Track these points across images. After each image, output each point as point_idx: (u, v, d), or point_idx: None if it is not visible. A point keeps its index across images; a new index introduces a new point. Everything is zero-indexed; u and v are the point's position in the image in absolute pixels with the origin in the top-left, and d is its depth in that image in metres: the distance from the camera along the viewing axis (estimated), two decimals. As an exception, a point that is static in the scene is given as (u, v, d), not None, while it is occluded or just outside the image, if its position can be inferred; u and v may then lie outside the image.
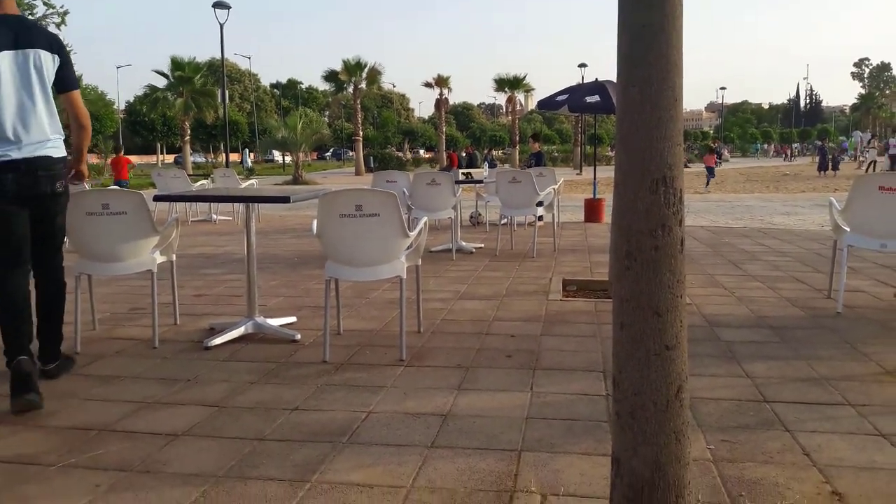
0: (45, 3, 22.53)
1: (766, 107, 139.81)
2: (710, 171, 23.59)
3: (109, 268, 4.12)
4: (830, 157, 29.88)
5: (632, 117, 1.71)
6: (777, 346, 3.97)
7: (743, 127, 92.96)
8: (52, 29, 22.37)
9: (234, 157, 52.92)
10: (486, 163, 17.37)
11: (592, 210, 11.68)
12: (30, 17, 22.21)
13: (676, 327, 1.71)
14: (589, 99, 9.84)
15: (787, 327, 4.36)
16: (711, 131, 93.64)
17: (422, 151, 63.10)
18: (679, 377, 1.72)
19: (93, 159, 41.09)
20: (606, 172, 17.64)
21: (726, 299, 5.22)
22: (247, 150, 43.33)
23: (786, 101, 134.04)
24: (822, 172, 28.47)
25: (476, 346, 4.03)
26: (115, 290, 5.76)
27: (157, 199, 4.35)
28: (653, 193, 1.69)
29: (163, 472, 2.47)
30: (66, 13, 22.95)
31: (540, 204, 8.12)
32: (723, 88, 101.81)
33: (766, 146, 73.19)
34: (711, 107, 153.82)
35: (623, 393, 1.76)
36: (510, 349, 3.97)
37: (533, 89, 43.01)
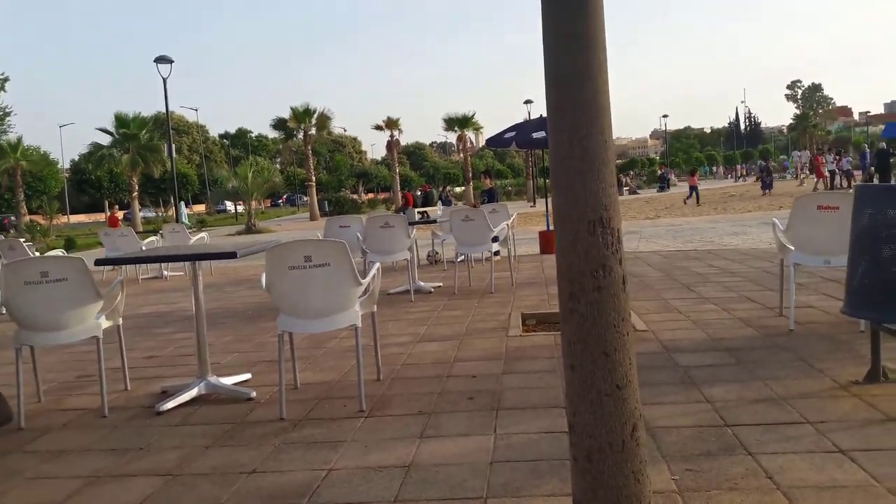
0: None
1: (708, 131, 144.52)
2: (693, 190, 26.12)
3: (52, 337, 3.97)
4: (766, 176, 31.05)
5: (564, 162, 1.73)
6: (734, 368, 4.02)
7: (687, 152, 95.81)
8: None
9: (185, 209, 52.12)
10: (439, 201, 17.47)
11: (547, 242, 11.79)
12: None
13: (626, 366, 1.71)
14: (535, 135, 10.03)
15: (742, 348, 4.42)
16: (658, 157, 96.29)
17: (371, 195, 63.28)
18: (633, 416, 1.72)
19: (39, 220, 40.04)
20: (559, 204, 17.83)
21: (682, 323, 5.29)
22: (182, 204, 41.76)
23: (726, 125, 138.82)
24: (767, 191, 29.42)
25: (437, 390, 3.97)
26: (62, 357, 5.54)
27: (98, 262, 4.22)
28: (591, 235, 1.70)
29: (112, 553, 2.34)
30: (6, 80, 22.61)
31: (495, 239, 8.16)
32: (665, 116, 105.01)
33: (714, 168, 75.34)
34: (656, 134, 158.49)
35: (578, 436, 1.74)
36: (472, 390, 3.92)
37: (481, 127, 43.62)
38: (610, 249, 1.71)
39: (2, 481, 3.07)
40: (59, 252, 10.03)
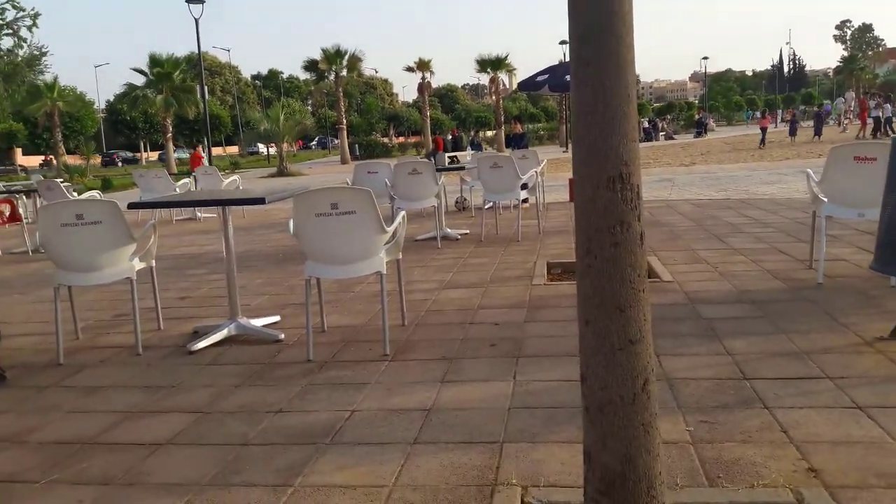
0: (14, 7, 22.20)
1: (750, 74, 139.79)
2: (764, 132, 28.12)
3: (88, 277, 4.10)
4: (795, 122, 30.52)
5: (586, 117, 1.71)
6: (758, 321, 4.00)
7: (727, 95, 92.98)
8: (23, 32, 22.10)
9: (217, 150, 52.56)
10: (469, 146, 17.30)
11: (577, 189, 11.67)
12: (0, 22, 21.93)
13: (640, 321, 1.72)
14: (569, 77, 9.80)
15: (768, 301, 4.39)
16: (697, 101, 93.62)
17: (402, 138, 62.85)
18: (645, 370, 1.73)
19: (75, 160, 40.73)
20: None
21: (709, 275, 5.25)
22: (200, 147, 40.10)
23: (769, 67, 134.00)
24: (818, 137, 28.51)
25: (460, 337, 4.04)
26: (98, 296, 5.73)
27: (131, 206, 4.32)
28: (610, 191, 1.69)
29: (146, 484, 2.48)
30: (37, 15, 22.66)
31: (524, 187, 8.11)
32: (705, 58, 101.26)
33: (756, 114, 71.97)
34: (695, 76, 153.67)
35: (590, 388, 1.77)
36: (494, 338, 3.98)
37: (515, 69, 42.75)
38: (629, 205, 1.70)
39: (41, 414, 3.23)
40: (95, 193, 10.24)
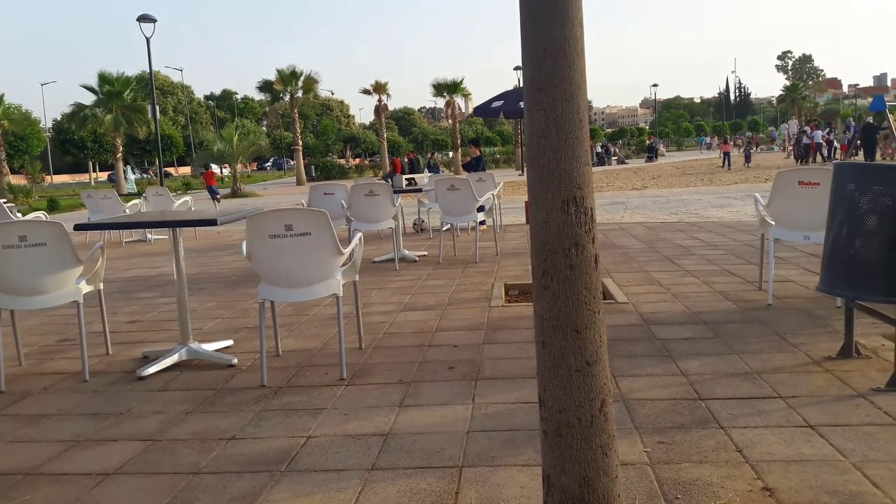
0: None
1: (698, 101, 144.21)
2: (727, 156, 29.83)
3: (32, 301, 3.95)
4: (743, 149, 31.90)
5: (539, 140, 1.73)
6: (711, 341, 4.08)
7: (677, 122, 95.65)
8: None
9: (170, 171, 51.61)
10: (426, 168, 17.37)
11: (533, 211, 11.80)
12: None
13: (596, 343, 1.74)
14: (522, 104, 9.95)
15: (720, 322, 4.49)
16: (647, 127, 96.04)
17: (358, 160, 62.76)
18: (602, 392, 1.74)
19: (20, 180, 39.45)
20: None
21: (662, 296, 5.34)
22: (129, 168, 40.41)
23: (716, 95, 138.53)
24: (747, 164, 29.66)
25: (418, 360, 4.01)
26: (44, 320, 5.52)
27: (78, 227, 4.18)
28: (564, 213, 1.71)
29: (91, 518, 2.37)
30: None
31: (481, 209, 8.16)
32: (655, 85, 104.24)
33: (708, 139, 72.91)
34: (646, 103, 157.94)
35: (548, 411, 1.77)
36: (453, 360, 3.96)
37: (470, 94, 43.27)
38: (583, 228, 1.72)
39: (-19, 445, 3.08)
40: (41, 214, 9.92)
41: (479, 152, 12.96)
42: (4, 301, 3.94)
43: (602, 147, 45.89)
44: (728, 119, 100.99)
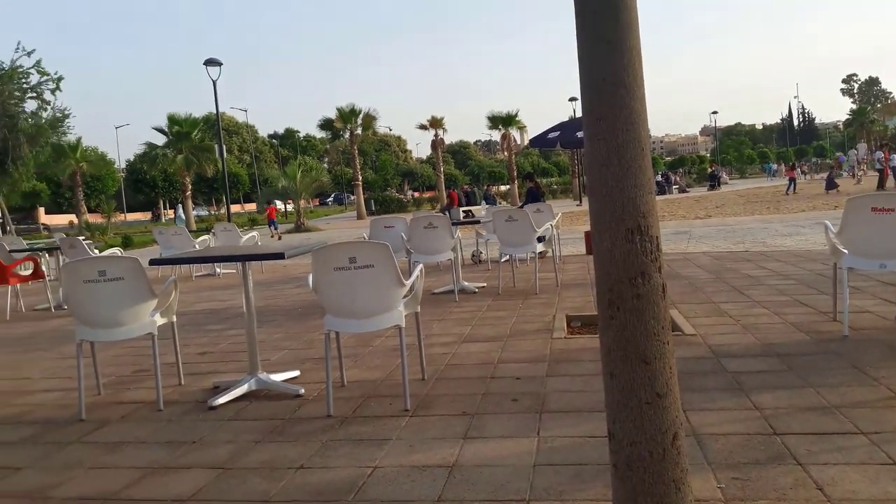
0: (38, 71, 23.00)
1: (760, 127, 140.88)
2: (792, 182, 30.52)
3: (110, 333, 4.13)
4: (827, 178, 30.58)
5: (600, 170, 1.74)
6: (785, 374, 3.93)
7: (739, 149, 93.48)
8: (46, 95, 22.82)
9: (236, 208, 53.31)
10: (484, 200, 17.45)
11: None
12: (25, 85, 22.69)
13: (666, 374, 1.71)
14: (580, 134, 9.92)
15: (794, 354, 4.33)
16: (708, 155, 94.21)
17: (416, 193, 63.57)
18: (674, 424, 1.71)
19: (96, 218, 41.45)
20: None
21: (731, 328, 5.19)
22: (179, 206, 42.57)
23: (779, 121, 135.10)
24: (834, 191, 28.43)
25: (481, 391, 4.00)
26: (120, 352, 5.75)
27: (153, 262, 4.37)
28: (629, 242, 1.70)
29: (168, 543, 2.44)
30: (60, 79, 23.42)
31: (540, 239, 8.14)
32: (715, 112, 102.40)
33: (774, 166, 69.81)
34: (706, 130, 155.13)
35: (618, 444, 1.75)
36: (516, 392, 3.94)
37: (525, 126, 43.41)
38: (649, 257, 1.71)
39: (63, 471, 3.21)
40: (116, 250, 10.39)
41: (534, 184, 12.93)
42: (85, 333, 4.13)
43: (662, 176, 45.19)
44: (792, 145, 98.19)
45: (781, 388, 3.66)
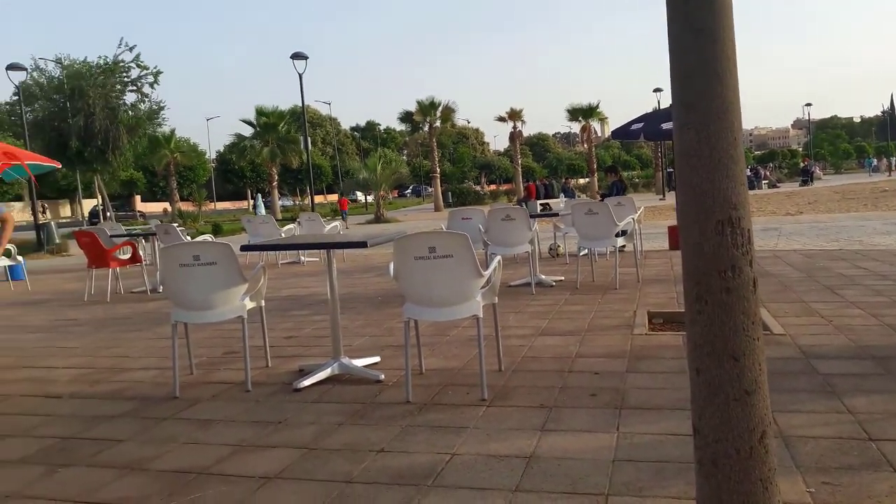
0: (138, 66, 24.24)
1: (858, 120, 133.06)
2: None
3: (203, 315, 4.35)
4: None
5: (690, 160, 1.70)
6: (881, 378, 3.74)
7: (834, 143, 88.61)
8: (146, 89, 24.04)
9: (319, 198, 54.79)
10: (562, 193, 17.25)
11: (677, 237, 11.38)
12: (125, 79, 23.97)
13: (755, 371, 1.67)
14: (665, 125, 9.69)
15: (890, 357, 4.10)
16: (801, 148, 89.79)
17: (493, 186, 63.43)
18: (762, 422, 1.67)
19: (188, 207, 43.43)
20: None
21: (823, 328, 4.96)
22: (259, 196, 44.35)
23: (879, 114, 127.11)
24: None
25: (559, 385, 3.99)
26: (210, 334, 6.04)
27: (244, 248, 4.57)
28: (719, 234, 1.66)
29: (256, 516, 2.56)
30: (158, 73, 24.62)
31: (621, 234, 7.99)
32: (808, 104, 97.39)
33: (875, 162, 64.85)
34: (798, 123, 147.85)
35: (704, 440, 1.72)
36: (594, 387, 3.90)
37: (606, 117, 42.55)
38: (740, 250, 1.66)
39: (160, 444, 3.41)
40: (207, 237, 10.87)
41: (617, 178, 12.64)
42: (180, 315, 4.36)
43: (751, 170, 43.39)
44: (894, 139, 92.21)
45: (877, 392, 3.49)
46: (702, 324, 1.71)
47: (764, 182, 41.33)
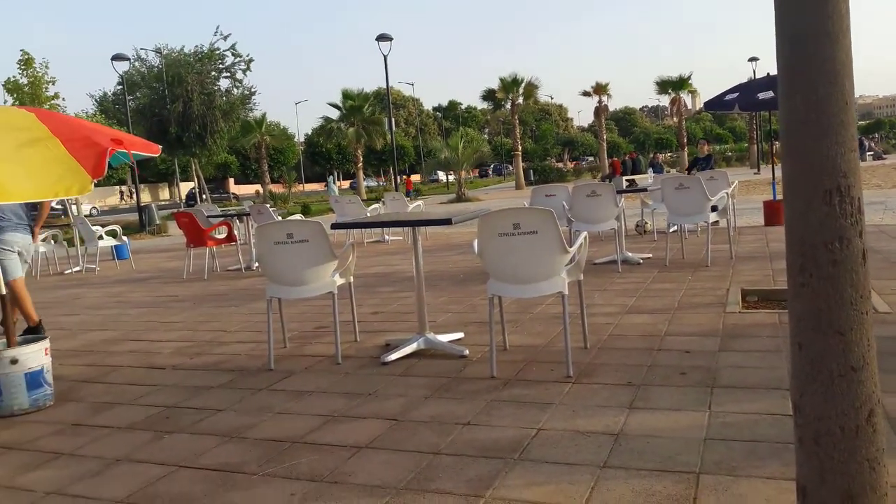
0: (233, 53, 25.16)
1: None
2: None
3: (296, 291, 4.50)
4: None
5: (797, 126, 1.61)
6: None
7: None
8: (238, 75, 24.93)
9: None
10: (650, 168, 16.76)
11: (773, 213, 10.86)
12: (220, 66, 24.94)
13: (863, 347, 1.58)
14: (762, 95, 9.21)
15: None
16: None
17: (576, 163, 62.26)
18: (869, 400, 1.58)
19: (278, 188, 44.90)
20: (787, 171, 16.25)
21: (937, 307, 4.64)
22: (332, 178, 41.91)
23: None
24: None
25: (647, 363, 3.91)
26: (301, 309, 6.26)
27: (334, 226, 4.69)
28: (827, 204, 1.57)
29: (349, 483, 2.66)
30: (250, 61, 25.50)
31: (714, 209, 7.70)
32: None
33: None
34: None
35: (805, 418, 1.64)
36: (684, 366, 3.80)
37: (696, 90, 40.91)
38: (848, 220, 1.57)
39: (256, 414, 3.58)
40: (297, 217, 11.22)
41: (708, 150, 12.18)
42: (274, 290, 4.53)
43: (855, 141, 40.75)
44: None
45: None
46: (806, 297, 1.63)
47: (869, 154, 38.78)
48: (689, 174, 10.21)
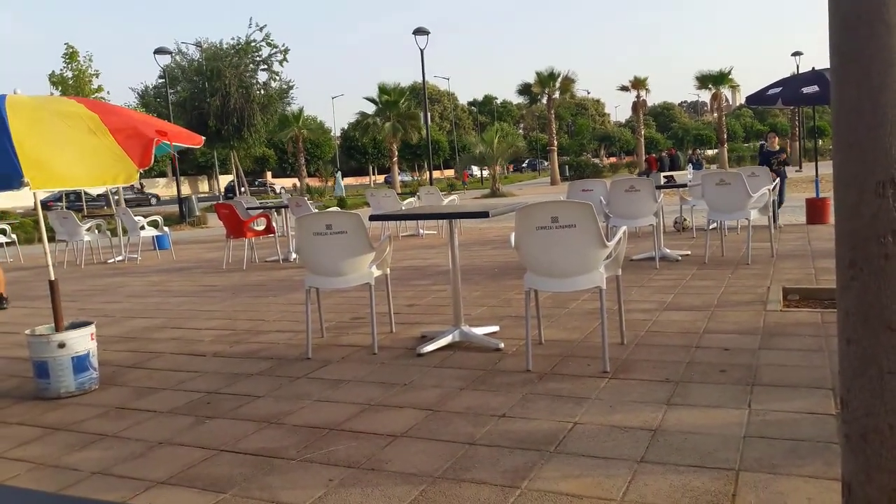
0: (268, 45, 25.42)
1: None
2: None
3: (333, 281, 4.56)
4: None
5: (848, 116, 1.58)
6: None
7: None
8: (275, 67, 25.17)
9: (436, 174, 55.53)
10: (689, 164, 16.50)
11: (815, 210, 10.62)
12: (257, 58, 25.21)
13: (915, 343, 1.54)
14: (806, 90, 9.00)
15: None
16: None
17: (613, 158, 61.62)
18: (923, 399, 1.54)
19: (315, 182, 45.34)
20: (830, 168, 15.88)
21: None
22: (339, 174, 39.75)
23: None
24: None
25: (685, 360, 3.86)
26: (338, 300, 6.32)
27: (372, 218, 4.73)
28: (879, 197, 1.54)
29: (385, 471, 2.69)
30: (287, 51, 25.72)
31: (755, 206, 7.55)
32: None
33: None
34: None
35: (852, 414, 1.61)
36: (724, 363, 3.75)
37: (737, 85, 40.09)
38: None
39: (294, 401, 3.64)
40: (334, 209, 11.34)
41: (778, 145, 11.52)
42: (312, 280, 4.59)
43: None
44: None
45: None
46: (855, 291, 1.60)
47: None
48: (770, 169, 9.56)
